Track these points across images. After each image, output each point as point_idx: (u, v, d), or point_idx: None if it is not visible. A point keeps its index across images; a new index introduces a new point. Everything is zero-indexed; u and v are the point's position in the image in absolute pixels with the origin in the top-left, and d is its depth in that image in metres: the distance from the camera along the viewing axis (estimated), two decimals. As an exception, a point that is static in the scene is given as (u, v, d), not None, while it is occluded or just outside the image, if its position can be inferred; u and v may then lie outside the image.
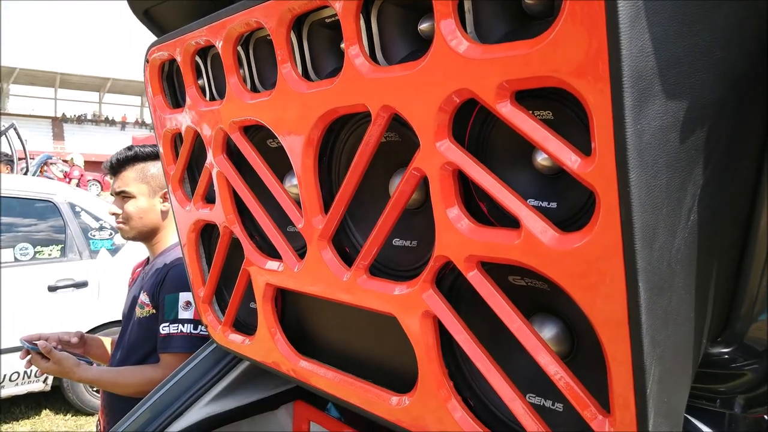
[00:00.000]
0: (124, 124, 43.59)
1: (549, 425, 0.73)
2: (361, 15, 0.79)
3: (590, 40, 0.54)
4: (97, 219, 4.37)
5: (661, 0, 0.54)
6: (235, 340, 1.26)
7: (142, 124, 44.06)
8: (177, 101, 1.24)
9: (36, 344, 1.70)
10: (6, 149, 8.18)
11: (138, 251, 3.56)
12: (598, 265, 0.59)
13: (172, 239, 1.88)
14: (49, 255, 4.17)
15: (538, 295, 0.75)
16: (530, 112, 0.65)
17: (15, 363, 3.91)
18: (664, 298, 0.59)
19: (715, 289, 0.68)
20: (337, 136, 0.94)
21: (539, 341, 0.69)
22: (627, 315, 0.57)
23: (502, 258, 0.68)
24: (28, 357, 1.75)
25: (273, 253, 1.09)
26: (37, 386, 4.14)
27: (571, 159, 0.59)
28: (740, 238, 0.70)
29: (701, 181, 0.61)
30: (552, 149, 0.60)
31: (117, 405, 1.71)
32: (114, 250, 4.37)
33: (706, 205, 0.62)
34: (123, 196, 1.82)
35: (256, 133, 1.08)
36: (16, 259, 4.06)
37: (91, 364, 1.77)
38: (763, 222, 0.68)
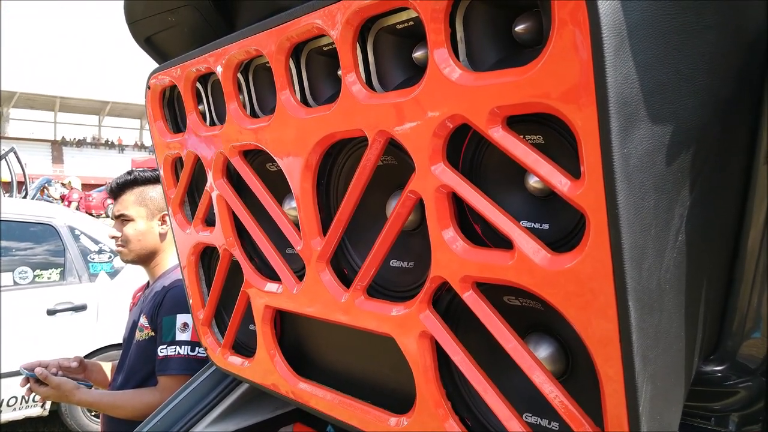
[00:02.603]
0: (122, 147, 43.78)
1: (545, 444, 0.74)
2: (357, 43, 0.81)
3: (577, 68, 0.56)
4: (97, 242, 4.38)
5: (644, 30, 0.56)
6: (235, 363, 1.26)
7: (141, 146, 44.29)
8: (178, 126, 1.27)
9: (34, 372, 1.71)
10: (6, 173, 8.22)
11: (137, 274, 3.56)
12: (589, 285, 0.60)
13: (171, 262, 1.89)
14: (49, 278, 4.16)
15: (533, 315, 0.77)
16: (522, 136, 0.67)
17: (13, 388, 3.88)
18: (654, 316, 0.61)
19: (706, 307, 0.69)
20: (335, 159, 0.96)
21: (534, 361, 0.70)
22: (618, 334, 0.59)
23: (497, 278, 0.70)
24: (28, 385, 1.75)
25: (272, 275, 1.10)
26: (35, 411, 4.11)
27: (561, 182, 0.61)
28: (729, 257, 0.71)
29: (688, 202, 0.63)
30: (542, 172, 0.62)
31: (116, 429, 1.71)
32: (113, 273, 4.37)
33: (693, 226, 0.64)
34: (122, 219, 1.84)
35: (256, 157, 1.10)
36: (15, 283, 4.06)
37: (91, 388, 1.77)
38: (750, 242, 0.70)
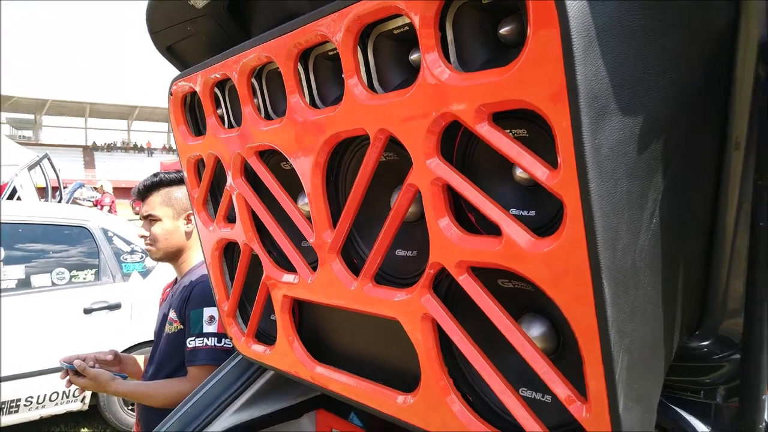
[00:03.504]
0: (151, 151, 44.57)
1: (539, 415, 0.79)
2: (358, 48, 0.88)
3: (550, 67, 0.61)
4: (129, 243, 4.54)
5: (612, 29, 0.61)
6: (258, 350, 1.34)
7: (169, 149, 45.04)
8: (199, 129, 1.35)
9: (72, 364, 1.82)
10: (41, 179, 8.45)
11: (167, 273, 3.69)
12: (567, 265, 0.66)
13: (197, 258, 1.99)
14: (84, 279, 4.34)
15: (526, 297, 0.82)
16: (507, 130, 0.73)
17: (55, 383, 4.07)
18: (629, 293, 0.66)
19: (685, 285, 0.74)
20: (342, 157, 1.02)
21: (525, 338, 0.76)
22: (594, 309, 0.64)
23: (487, 262, 0.76)
24: (67, 377, 1.87)
25: (289, 267, 1.17)
26: (75, 406, 4.29)
27: (540, 171, 0.66)
28: (706, 239, 0.76)
29: (662, 188, 0.68)
30: (524, 163, 0.68)
31: (150, 416, 1.81)
32: (145, 273, 4.52)
33: (668, 209, 0.69)
34: (150, 219, 1.94)
35: (271, 157, 1.17)
36: (53, 284, 4.24)
37: (125, 379, 1.88)
38: (725, 224, 0.74)
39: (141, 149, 45.43)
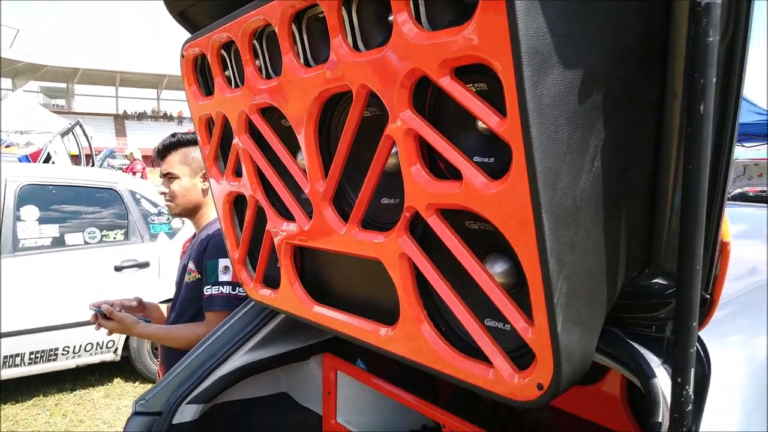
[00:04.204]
0: (181, 120, 45.02)
1: (499, 342, 0.89)
2: (343, 9, 0.96)
3: (497, 25, 0.69)
4: (155, 205, 4.73)
5: (553, -10, 0.68)
6: (265, 294, 1.46)
7: (194, 134, 45.30)
8: (209, 90, 1.44)
9: (101, 308, 1.98)
10: (74, 147, 8.66)
11: (190, 232, 3.86)
12: (514, 203, 0.74)
13: (213, 214, 2.12)
14: (115, 238, 4.56)
15: (491, 237, 0.91)
16: (470, 84, 0.81)
17: (89, 335, 4.33)
18: (570, 228, 0.74)
19: (628, 224, 0.82)
20: (333, 113, 1.11)
21: (484, 273, 0.86)
22: (536, 241, 0.73)
23: (451, 203, 0.85)
24: (96, 320, 2.03)
25: (290, 217, 1.28)
26: (108, 356, 4.56)
27: (491, 120, 0.75)
28: (649, 182, 0.83)
29: (603, 135, 0.75)
30: (479, 113, 0.76)
31: (171, 357, 1.96)
32: (171, 234, 4.72)
33: (609, 154, 0.77)
34: (169, 177, 2.07)
35: (272, 115, 1.27)
36: (85, 242, 4.47)
37: (149, 323, 2.04)
38: (666, 169, 0.82)
39: (171, 118, 45.97)
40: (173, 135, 2.10)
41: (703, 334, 0.94)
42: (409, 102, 0.87)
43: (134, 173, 14.04)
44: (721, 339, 1.02)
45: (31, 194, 4.38)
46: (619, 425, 1.40)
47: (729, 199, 1.13)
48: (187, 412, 1.63)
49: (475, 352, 0.94)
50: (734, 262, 1.32)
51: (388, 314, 1.09)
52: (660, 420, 0.87)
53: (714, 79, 0.66)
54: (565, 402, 1.53)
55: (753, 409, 0.92)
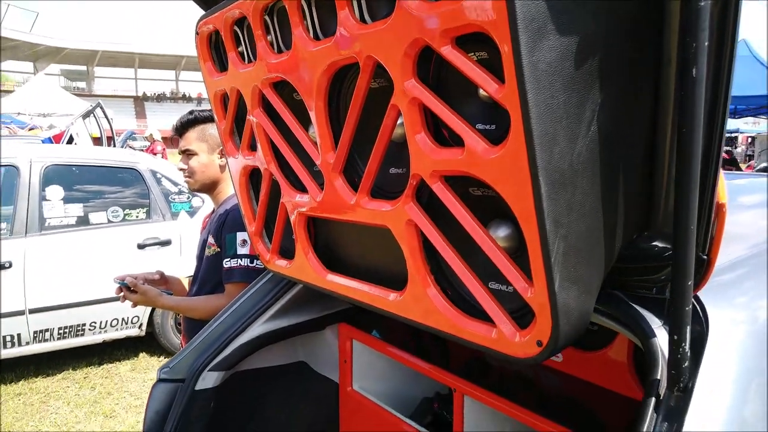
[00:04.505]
0: (200, 101, 45.24)
1: (502, 303, 0.93)
2: None
3: None
4: (176, 184, 4.82)
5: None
6: (281, 264, 1.51)
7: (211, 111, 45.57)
8: (223, 66, 1.48)
9: (125, 281, 2.05)
10: (95, 129, 8.76)
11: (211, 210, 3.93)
12: (513, 167, 0.77)
13: (231, 190, 2.17)
14: (137, 217, 4.67)
15: (493, 203, 0.94)
16: (471, 53, 0.83)
17: (115, 311, 4.46)
18: (567, 191, 0.77)
19: (626, 187, 0.84)
20: (341, 85, 1.14)
21: (486, 236, 0.89)
22: (533, 202, 0.76)
23: (454, 170, 0.88)
24: (121, 293, 2.11)
25: (303, 189, 1.32)
26: (133, 331, 4.70)
27: (491, 87, 0.77)
28: (648, 146, 0.85)
29: (599, 100, 0.78)
30: (478, 80, 0.79)
31: (193, 327, 2.03)
32: (192, 212, 4.81)
33: (606, 119, 0.79)
34: (187, 154, 2.13)
35: (284, 89, 1.30)
36: (108, 221, 4.59)
37: (171, 295, 2.11)
38: (664, 132, 0.84)
39: (190, 99, 46.22)
40: (191, 112, 2.15)
41: (710, 296, 0.97)
42: (413, 71, 0.90)
43: (155, 154, 14.21)
44: (728, 301, 1.05)
45: (55, 174, 4.49)
46: (626, 389, 1.44)
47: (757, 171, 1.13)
48: (209, 379, 1.70)
49: (479, 314, 0.97)
50: (752, 228, 1.34)
51: (396, 280, 1.13)
52: (659, 377, 0.90)
53: (706, 43, 0.68)
54: (574, 367, 1.56)
55: (753, 368, 0.95)
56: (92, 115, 8.61)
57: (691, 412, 0.85)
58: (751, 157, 20.46)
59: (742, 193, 1.73)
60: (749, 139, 23.51)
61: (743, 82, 8.14)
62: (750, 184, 1.95)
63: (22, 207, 4.29)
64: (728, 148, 22.22)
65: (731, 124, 18.05)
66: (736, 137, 24.40)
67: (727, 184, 0.88)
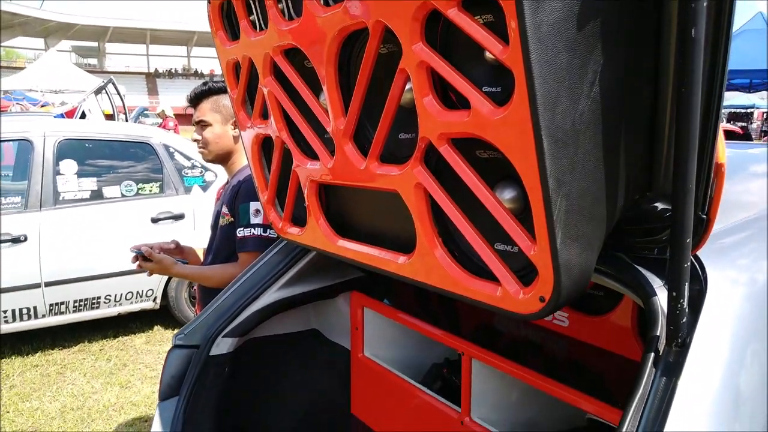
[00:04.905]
0: (212, 77, 45.12)
1: (508, 264, 0.96)
2: None
3: None
4: (189, 158, 4.87)
5: None
6: (293, 232, 1.54)
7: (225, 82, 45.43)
8: (235, 35, 1.50)
9: (141, 250, 2.11)
10: (107, 105, 8.79)
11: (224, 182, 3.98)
12: (517, 127, 0.80)
13: (245, 161, 2.20)
14: (150, 191, 4.74)
15: (499, 165, 0.96)
16: (477, 16, 0.85)
17: (129, 284, 4.55)
18: (569, 150, 0.80)
19: (628, 148, 0.86)
20: (351, 51, 1.17)
21: (492, 196, 0.92)
22: (536, 161, 0.78)
23: (460, 132, 0.90)
24: (137, 262, 2.16)
25: (314, 156, 1.35)
26: (148, 304, 4.79)
27: (496, 48, 0.79)
28: (649, 107, 0.87)
29: (601, 61, 0.79)
30: (484, 42, 0.81)
31: (207, 295, 2.09)
32: (205, 187, 4.86)
33: (608, 80, 0.81)
34: (201, 125, 2.16)
35: (296, 57, 1.32)
36: (122, 195, 4.66)
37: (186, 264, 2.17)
38: (665, 94, 0.86)
39: (202, 75, 46.13)
40: (204, 83, 2.18)
41: (710, 258, 1.00)
42: (421, 35, 0.92)
43: (167, 131, 14.26)
44: (728, 263, 1.07)
45: (69, 149, 4.55)
46: (630, 352, 1.47)
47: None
48: (223, 345, 1.75)
49: (484, 274, 1.00)
50: (760, 195, 1.35)
51: (405, 244, 1.17)
52: (658, 333, 0.93)
53: (705, 3, 0.69)
54: (580, 332, 1.60)
55: (750, 326, 0.98)
56: (104, 91, 8.64)
57: (689, 367, 0.89)
58: (766, 133, 20.18)
59: (756, 162, 1.73)
60: (765, 115, 23.14)
61: (759, 55, 8.01)
62: (762, 153, 1.95)
63: (36, 181, 4.35)
64: (743, 123, 21.91)
65: (746, 99, 17.77)
66: (751, 113, 24.01)
67: (741, 154, 0.89)
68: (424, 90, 0.94)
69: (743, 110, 23.27)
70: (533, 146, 0.78)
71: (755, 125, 23.12)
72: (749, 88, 10.59)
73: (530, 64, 0.74)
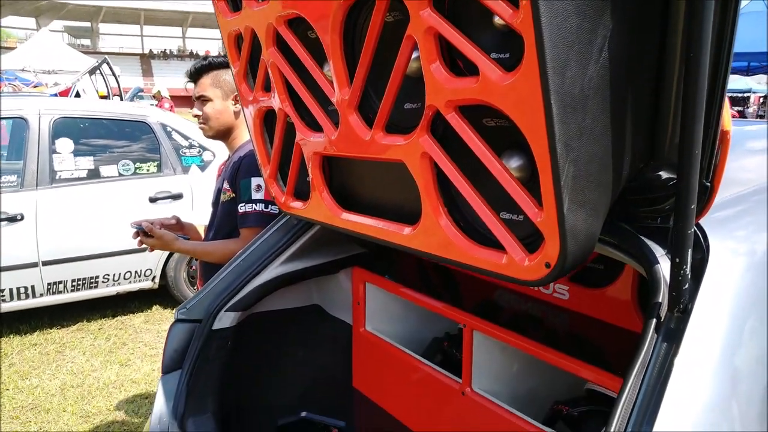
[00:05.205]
0: (207, 59, 44.74)
1: (514, 232, 0.97)
2: None
3: None
4: (187, 138, 4.85)
5: None
6: (296, 206, 1.55)
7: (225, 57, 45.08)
8: (237, 6, 1.49)
9: (142, 225, 2.11)
10: (102, 86, 8.71)
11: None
12: (525, 92, 0.80)
13: (246, 136, 2.20)
14: (148, 170, 4.72)
15: (507, 133, 0.97)
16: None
17: (128, 264, 4.55)
18: (577, 115, 0.80)
19: (635, 115, 0.87)
20: (357, 20, 1.16)
21: (498, 163, 0.92)
22: (545, 126, 0.79)
23: (469, 98, 0.90)
24: (138, 238, 2.16)
25: (318, 128, 1.34)
26: (147, 284, 4.80)
27: (506, 12, 0.79)
28: (655, 74, 0.87)
29: (610, 26, 0.79)
30: (493, 6, 0.81)
31: (210, 271, 2.10)
32: (203, 167, 4.85)
33: (617, 46, 0.81)
34: (202, 100, 2.15)
35: (300, 27, 1.31)
36: (120, 174, 4.64)
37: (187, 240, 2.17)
38: (671, 62, 0.86)
39: (197, 57, 45.71)
40: (204, 58, 2.17)
41: (712, 228, 1.01)
42: (429, 0, 0.91)
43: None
44: (730, 233, 1.08)
45: (64, 127, 4.52)
46: (630, 324, 1.49)
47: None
48: (225, 319, 1.76)
49: (489, 242, 1.01)
50: (757, 170, 1.36)
51: (410, 215, 1.17)
52: (660, 300, 0.95)
53: (716, -34, 0.69)
54: (580, 304, 1.61)
55: (750, 293, 0.99)
56: (99, 71, 8.56)
57: (690, 333, 0.90)
58: (762, 117, 20.21)
59: (750, 138, 1.74)
60: (761, 99, 23.14)
61: (758, 38, 7.98)
62: (759, 130, 1.96)
63: (32, 159, 4.33)
64: (740, 108, 21.92)
65: (744, 83, 17.74)
66: (748, 97, 24.01)
67: (737, 130, 0.90)
68: (432, 57, 0.94)
69: (740, 94, 23.27)
70: (542, 111, 0.78)
71: (751, 110, 23.13)
72: (747, 71, 10.57)
73: (540, 28, 0.74)
